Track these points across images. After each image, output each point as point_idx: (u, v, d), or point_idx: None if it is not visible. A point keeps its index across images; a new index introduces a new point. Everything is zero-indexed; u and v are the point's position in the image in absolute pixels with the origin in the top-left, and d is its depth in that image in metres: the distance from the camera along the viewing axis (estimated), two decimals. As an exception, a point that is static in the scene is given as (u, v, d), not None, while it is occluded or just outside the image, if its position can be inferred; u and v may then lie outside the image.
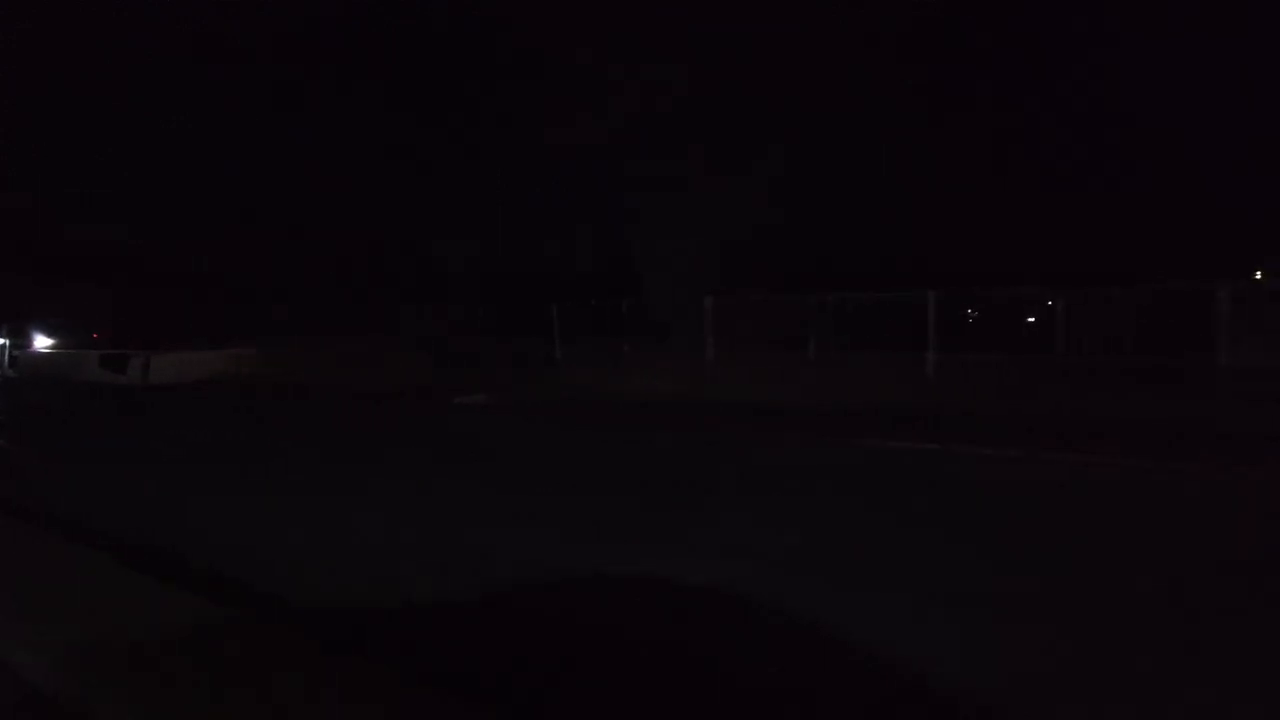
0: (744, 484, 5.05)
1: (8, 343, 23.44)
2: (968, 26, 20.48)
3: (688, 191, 17.82)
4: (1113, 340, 9.39)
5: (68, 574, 3.03)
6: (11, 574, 3.09)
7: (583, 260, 20.04)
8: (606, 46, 19.55)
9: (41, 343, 25.49)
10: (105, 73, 23.54)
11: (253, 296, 24.38)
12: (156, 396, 13.25)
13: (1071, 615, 2.66)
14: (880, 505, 4.30)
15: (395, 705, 1.95)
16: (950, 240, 17.37)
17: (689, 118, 18.72)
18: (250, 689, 1.98)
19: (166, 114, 24.62)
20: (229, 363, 16.90)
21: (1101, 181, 20.83)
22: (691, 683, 2.27)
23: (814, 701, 2.17)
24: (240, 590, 3.04)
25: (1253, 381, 7.79)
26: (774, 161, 18.10)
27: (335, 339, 17.47)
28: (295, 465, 6.23)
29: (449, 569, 3.36)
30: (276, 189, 24.35)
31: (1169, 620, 2.61)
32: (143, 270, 25.86)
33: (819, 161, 18.64)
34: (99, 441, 8.31)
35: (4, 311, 25.16)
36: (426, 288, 20.73)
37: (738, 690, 2.23)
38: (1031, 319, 10.94)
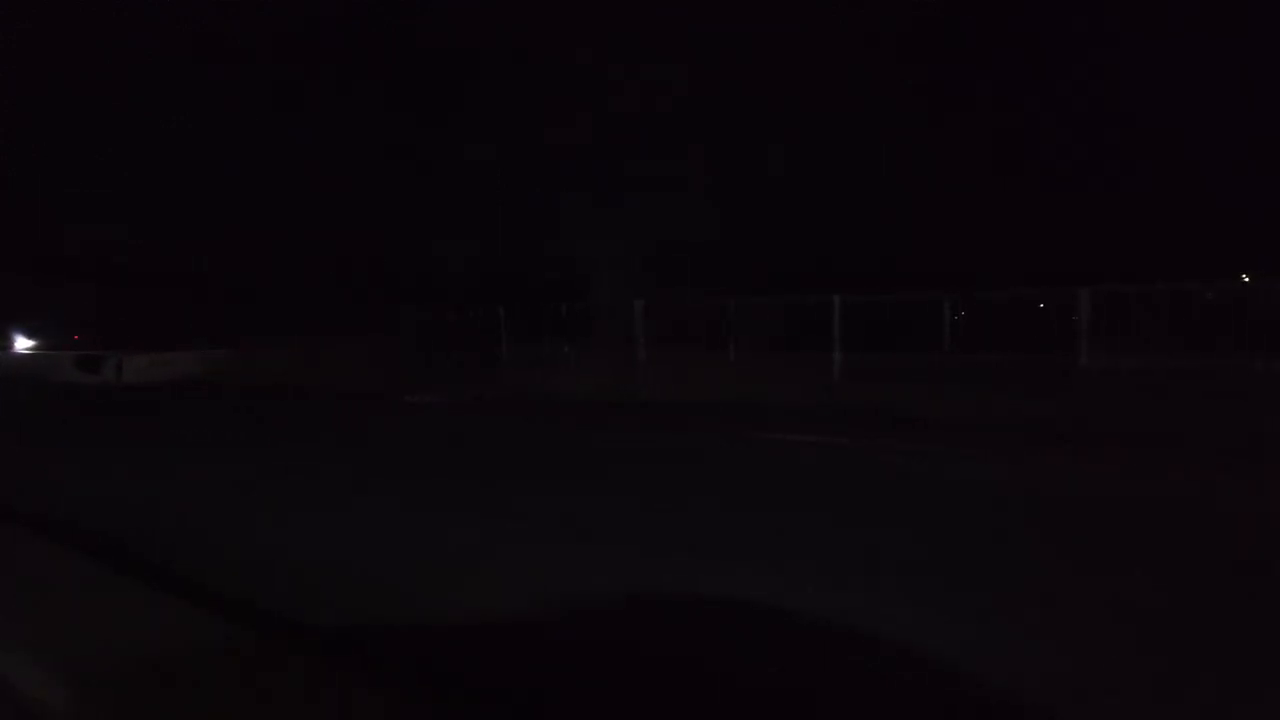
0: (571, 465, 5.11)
1: None
2: (969, 26, 20.48)
3: (628, 197, 18.09)
4: (1002, 339, 10.17)
5: (64, 578, 3.02)
6: (9, 579, 3.08)
7: (580, 263, 20.14)
8: (605, 47, 19.58)
9: (22, 344, 25.55)
10: (105, 73, 23.56)
11: (253, 296, 24.37)
12: (126, 396, 13.56)
13: (1072, 611, 2.67)
14: (821, 502, 4.29)
15: (395, 705, 1.95)
16: (927, 241, 17.46)
17: (657, 124, 18.87)
18: (250, 689, 1.98)
19: (166, 114, 24.65)
20: (203, 363, 17.31)
21: (1100, 181, 20.83)
22: (691, 683, 2.27)
23: (814, 701, 2.17)
24: (238, 591, 3.04)
25: (1108, 380, 8.57)
26: (709, 168, 18.35)
27: (332, 339, 17.58)
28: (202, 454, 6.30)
29: (444, 569, 3.36)
30: (276, 189, 24.38)
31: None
32: (142, 270, 25.88)
33: (756, 166, 18.85)
34: (66, 437, 8.49)
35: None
36: (426, 288, 20.78)
37: (738, 690, 2.23)
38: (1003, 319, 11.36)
